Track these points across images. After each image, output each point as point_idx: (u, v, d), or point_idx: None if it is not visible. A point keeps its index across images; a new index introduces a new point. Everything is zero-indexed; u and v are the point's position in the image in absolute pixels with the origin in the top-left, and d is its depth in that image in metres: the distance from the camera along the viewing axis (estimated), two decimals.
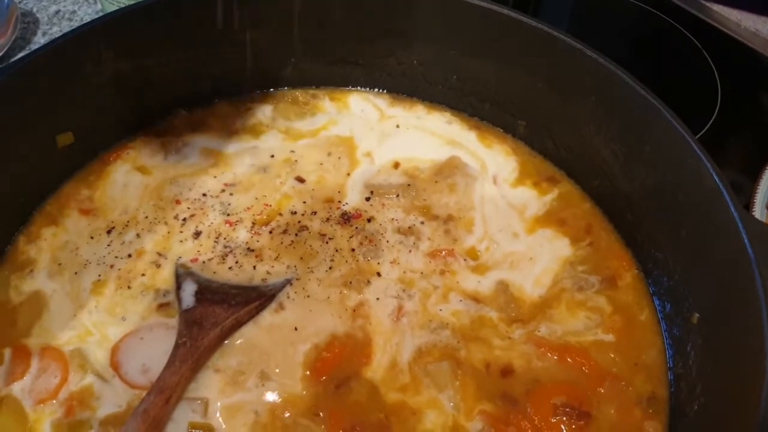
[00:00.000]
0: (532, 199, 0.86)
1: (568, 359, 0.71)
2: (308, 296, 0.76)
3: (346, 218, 0.83)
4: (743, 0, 1.25)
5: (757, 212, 0.87)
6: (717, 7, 1.26)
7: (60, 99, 0.81)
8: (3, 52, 1.10)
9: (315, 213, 0.83)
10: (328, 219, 0.83)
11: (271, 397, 0.67)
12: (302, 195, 0.85)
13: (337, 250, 0.80)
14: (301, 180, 0.87)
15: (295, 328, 0.73)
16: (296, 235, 0.81)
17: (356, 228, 0.82)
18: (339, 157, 0.90)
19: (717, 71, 1.14)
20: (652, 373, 0.71)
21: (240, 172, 0.88)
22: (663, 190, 0.75)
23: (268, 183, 0.87)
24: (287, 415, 0.66)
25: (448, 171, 0.88)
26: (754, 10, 1.24)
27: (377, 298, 0.76)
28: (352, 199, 0.85)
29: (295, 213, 0.83)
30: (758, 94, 1.19)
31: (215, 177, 0.87)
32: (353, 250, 0.80)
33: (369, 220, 0.83)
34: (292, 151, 0.90)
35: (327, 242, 0.80)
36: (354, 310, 0.74)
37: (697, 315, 0.69)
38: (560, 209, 0.85)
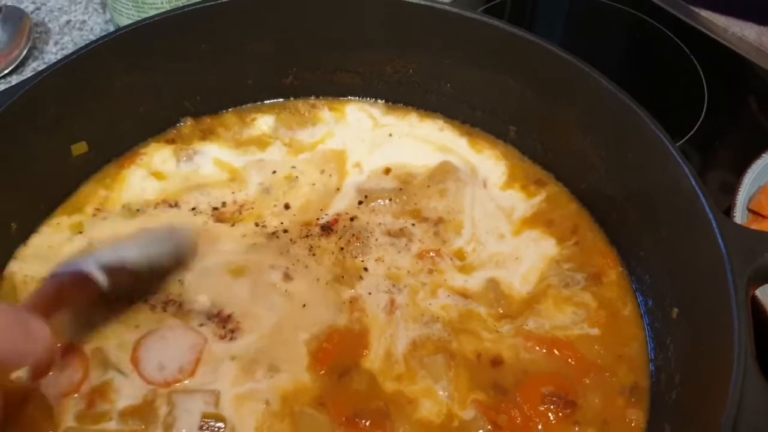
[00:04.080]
0: (520, 202, 0.90)
1: (556, 352, 0.75)
2: (304, 292, 0.80)
3: (326, 229, 0.86)
4: (730, 6, 1.29)
5: (738, 214, 0.90)
6: (705, 13, 1.30)
7: (73, 111, 0.86)
8: (18, 61, 1.15)
9: (305, 237, 0.86)
10: (307, 235, 0.86)
11: (279, 387, 0.72)
12: (282, 217, 0.88)
13: (325, 254, 0.84)
14: (287, 207, 0.89)
15: (295, 323, 0.77)
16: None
17: (343, 226, 0.86)
18: (330, 175, 0.93)
19: (704, 75, 1.18)
20: (634, 365, 0.75)
21: (251, 193, 0.91)
22: (645, 192, 0.80)
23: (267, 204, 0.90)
24: (294, 404, 0.71)
25: (440, 176, 0.92)
26: (740, 16, 1.28)
27: (369, 293, 0.80)
28: (338, 206, 0.89)
29: (287, 231, 0.86)
30: (745, 97, 1.22)
31: (233, 192, 0.91)
32: (342, 248, 0.84)
33: (352, 219, 0.87)
34: (293, 167, 0.93)
35: (314, 254, 0.84)
36: (350, 303, 0.79)
37: (677, 310, 0.73)
38: (548, 210, 0.89)
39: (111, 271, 0.68)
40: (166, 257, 0.77)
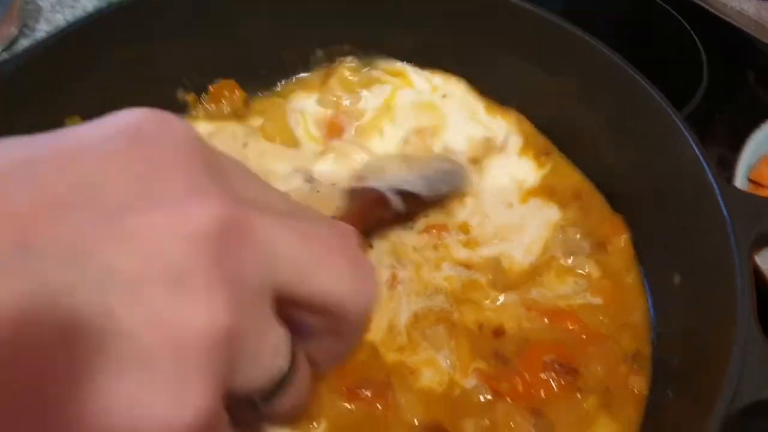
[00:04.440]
0: (531, 171, 0.89)
1: (558, 321, 0.75)
2: None
3: None
4: None
5: (738, 183, 0.90)
6: None
7: (66, 88, 0.83)
8: (10, 39, 1.13)
9: None
10: None
11: None
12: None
13: None
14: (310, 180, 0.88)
15: None
16: None
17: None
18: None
19: (704, 50, 1.18)
20: (637, 333, 0.75)
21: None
22: (648, 162, 0.79)
23: None
24: None
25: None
26: None
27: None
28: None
29: None
30: (744, 71, 1.22)
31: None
32: None
33: None
34: None
35: None
36: None
37: (679, 277, 0.73)
38: (552, 181, 0.88)
39: (403, 196, 0.72)
40: (447, 191, 0.79)
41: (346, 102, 0.95)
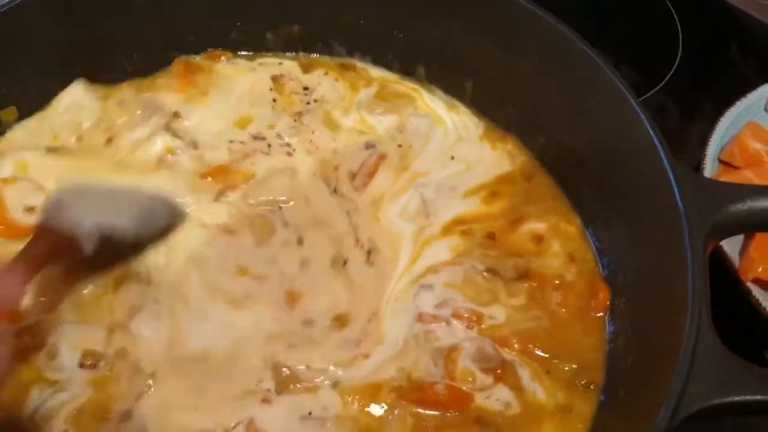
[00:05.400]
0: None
1: None
2: None
3: None
4: None
5: (708, 166, 0.85)
6: None
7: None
8: None
9: None
10: None
11: None
12: None
13: None
14: None
15: None
16: None
17: None
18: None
19: (679, 21, 1.12)
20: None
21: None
22: (602, 143, 0.74)
23: None
24: None
25: None
26: None
27: None
28: None
29: None
30: (720, 43, 1.16)
31: None
32: None
33: None
34: None
35: None
36: None
37: (632, 271, 0.69)
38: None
39: (102, 240, 0.58)
40: (153, 232, 0.66)
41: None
